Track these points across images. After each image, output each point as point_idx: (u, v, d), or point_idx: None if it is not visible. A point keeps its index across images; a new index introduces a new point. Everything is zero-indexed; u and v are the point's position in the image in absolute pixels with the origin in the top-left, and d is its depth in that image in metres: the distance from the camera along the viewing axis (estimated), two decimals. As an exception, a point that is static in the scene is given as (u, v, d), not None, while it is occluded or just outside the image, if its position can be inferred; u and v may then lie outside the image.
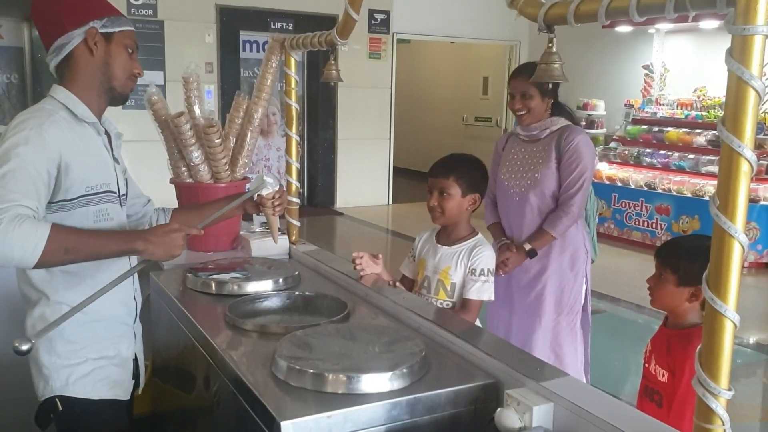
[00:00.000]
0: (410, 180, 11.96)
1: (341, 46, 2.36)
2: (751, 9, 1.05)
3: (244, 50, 8.70)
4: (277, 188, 2.13)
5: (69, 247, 1.53)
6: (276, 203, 2.16)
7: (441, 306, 2.35)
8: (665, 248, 2.02)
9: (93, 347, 1.75)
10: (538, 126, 2.96)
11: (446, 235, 2.43)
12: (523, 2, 1.47)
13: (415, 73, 12.58)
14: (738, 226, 1.11)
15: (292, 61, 2.64)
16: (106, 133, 1.86)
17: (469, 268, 2.33)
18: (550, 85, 2.88)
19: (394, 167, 10.02)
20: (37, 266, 1.52)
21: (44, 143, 1.60)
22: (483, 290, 2.31)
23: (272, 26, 8.63)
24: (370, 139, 9.59)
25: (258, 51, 8.85)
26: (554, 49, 1.46)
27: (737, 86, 1.08)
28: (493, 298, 2.35)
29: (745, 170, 1.09)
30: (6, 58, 7.56)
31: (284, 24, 8.68)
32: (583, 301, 3.03)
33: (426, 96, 12.71)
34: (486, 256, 2.35)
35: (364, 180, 9.68)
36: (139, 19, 7.77)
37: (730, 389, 1.14)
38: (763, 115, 6.78)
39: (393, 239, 8.39)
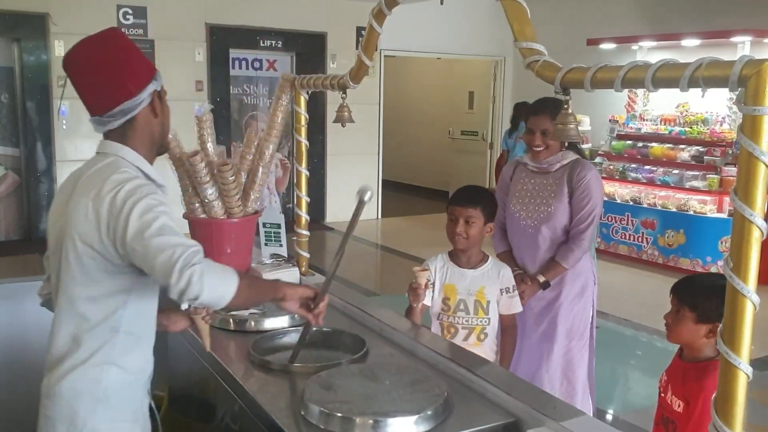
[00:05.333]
0: (397, 193, 12.06)
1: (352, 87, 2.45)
2: (760, 92, 1.15)
3: (233, 68, 8.74)
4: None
5: (248, 295, 1.64)
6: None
7: (480, 324, 2.60)
8: (682, 286, 2.08)
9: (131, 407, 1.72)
10: (549, 159, 2.99)
11: (465, 260, 2.64)
12: (540, 65, 1.56)
13: (402, 88, 12.69)
14: (750, 286, 1.20)
15: (302, 99, 2.72)
16: None
17: (499, 288, 2.62)
18: None
19: (382, 180, 10.11)
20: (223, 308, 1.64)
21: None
22: (514, 304, 2.66)
23: (261, 44, 8.69)
24: (359, 155, 9.67)
25: (247, 68, 8.91)
26: (570, 110, 1.56)
27: (748, 160, 1.18)
28: (521, 308, 2.70)
29: (756, 236, 1.19)
30: (-4, 78, 7.56)
31: (273, 42, 8.75)
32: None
33: (413, 110, 12.83)
34: (510, 275, 2.69)
35: (353, 195, 9.61)
36: (130, 38, 7.75)
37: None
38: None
39: (383, 254, 8.46)
